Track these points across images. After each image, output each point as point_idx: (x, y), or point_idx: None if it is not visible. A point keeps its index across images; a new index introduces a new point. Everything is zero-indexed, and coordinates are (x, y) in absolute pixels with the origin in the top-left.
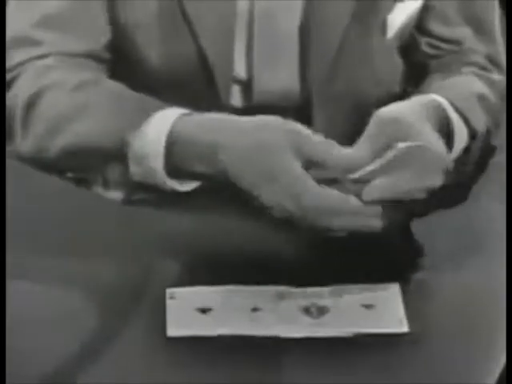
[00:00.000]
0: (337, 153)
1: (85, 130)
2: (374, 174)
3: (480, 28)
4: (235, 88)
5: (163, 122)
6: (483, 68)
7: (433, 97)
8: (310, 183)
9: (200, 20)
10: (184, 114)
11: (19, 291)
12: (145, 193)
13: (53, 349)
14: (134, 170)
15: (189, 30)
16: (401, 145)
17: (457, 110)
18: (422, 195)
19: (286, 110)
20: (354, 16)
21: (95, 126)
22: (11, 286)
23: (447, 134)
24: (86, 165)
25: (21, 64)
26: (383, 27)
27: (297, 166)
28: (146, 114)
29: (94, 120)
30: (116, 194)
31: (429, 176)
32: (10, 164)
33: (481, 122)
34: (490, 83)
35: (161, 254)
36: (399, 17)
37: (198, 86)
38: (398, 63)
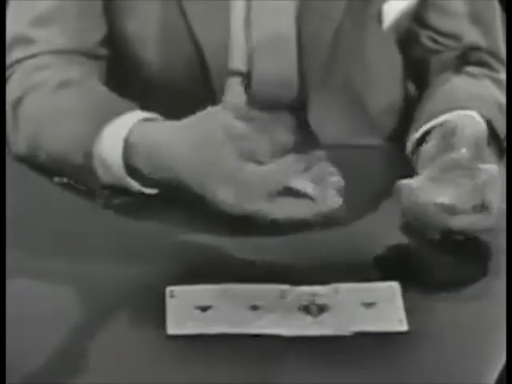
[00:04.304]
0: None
1: (56, 140)
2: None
3: (480, 21)
4: (235, 81)
5: (119, 131)
6: (489, 67)
7: (472, 114)
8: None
9: (195, 13)
10: (140, 121)
11: (17, 290)
12: (123, 197)
13: (51, 347)
14: (102, 174)
15: (185, 24)
16: (485, 167)
17: (489, 125)
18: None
19: (283, 103)
20: (349, 6)
21: (64, 135)
22: (10, 285)
23: None
24: (62, 171)
25: (14, 64)
26: (379, 17)
27: (231, 158)
28: (105, 121)
29: (63, 128)
30: (97, 199)
31: (492, 219)
32: (10, 164)
33: (504, 135)
34: (501, 86)
35: (160, 253)
36: (395, 6)
37: (192, 78)
38: (397, 57)
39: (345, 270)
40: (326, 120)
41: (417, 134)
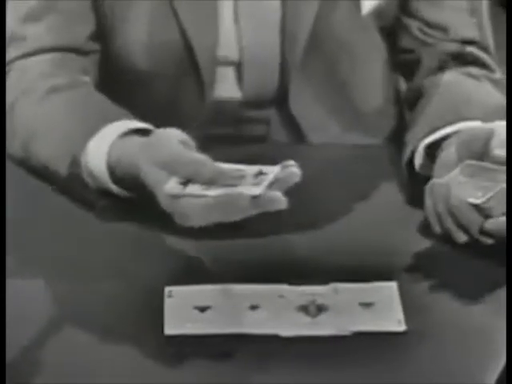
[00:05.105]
0: (208, 167)
1: (44, 148)
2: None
3: (474, 13)
4: (226, 71)
5: (101, 145)
6: (486, 67)
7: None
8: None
9: (185, 7)
10: (121, 136)
11: (16, 290)
12: (109, 199)
13: (50, 348)
14: (90, 181)
15: (174, 15)
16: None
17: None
18: None
19: (269, 92)
20: None
21: (52, 144)
22: (10, 285)
23: None
24: (51, 179)
25: (9, 63)
26: (358, 3)
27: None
28: (91, 131)
29: (51, 137)
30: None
31: None
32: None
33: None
34: (500, 87)
35: (158, 253)
36: None
37: (181, 72)
38: (380, 45)
39: (342, 269)
40: (310, 112)
41: (428, 139)
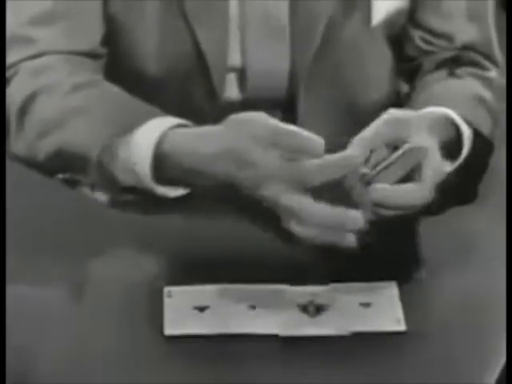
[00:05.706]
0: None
1: (71, 137)
2: (380, 174)
3: (476, 18)
4: (231, 77)
5: (150, 135)
6: (480, 66)
7: (445, 112)
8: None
9: (194, 9)
10: (171, 128)
11: (16, 292)
12: (131, 195)
13: (50, 348)
14: (122, 177)
15: (184, 20)
16: (407, 145)
17: (467, 122)
18: (413, 211)
19: (275, 97)
20: (339, 1)
21: (82, 132)
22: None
23: (456, 151)
24: (72, 168)
25: (16, 64)
26: (369, 13)
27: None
28: (133, 124)
29: (81, 126)
30: (103, 196)
31: (424, 190)
32: (10, 165)
33: (488, 130)
34: (489, 84)
35: (157, 253)
36: (385, 3)
37: (192, 76)
38: (386, 54)
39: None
40: (315, 119)
41: None
